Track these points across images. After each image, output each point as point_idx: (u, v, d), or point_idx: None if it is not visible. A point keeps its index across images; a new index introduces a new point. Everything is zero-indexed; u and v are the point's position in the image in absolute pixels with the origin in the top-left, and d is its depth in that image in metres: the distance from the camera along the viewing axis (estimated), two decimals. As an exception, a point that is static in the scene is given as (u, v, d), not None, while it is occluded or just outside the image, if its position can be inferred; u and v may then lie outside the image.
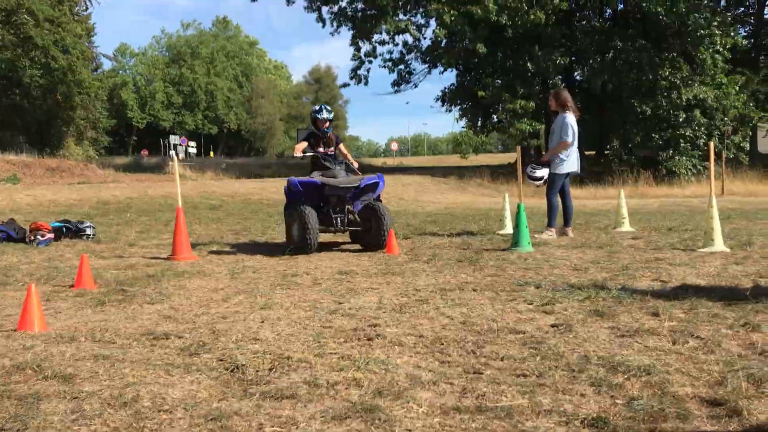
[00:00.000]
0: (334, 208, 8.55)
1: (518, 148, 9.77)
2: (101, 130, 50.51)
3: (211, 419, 2.79)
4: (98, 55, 48.28)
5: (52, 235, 9.60)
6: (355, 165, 9.07)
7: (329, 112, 9.13)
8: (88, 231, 10.20)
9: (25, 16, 34.97)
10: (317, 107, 9.20)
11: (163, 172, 30.95)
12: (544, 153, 9.35)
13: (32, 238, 9.43)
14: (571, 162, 9.54)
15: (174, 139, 49.94)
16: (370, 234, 8.51)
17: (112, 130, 62.86)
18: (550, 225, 9.58)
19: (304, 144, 8.98)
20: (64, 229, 10.07)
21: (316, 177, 8.41)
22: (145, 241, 10.20)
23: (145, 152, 51.48)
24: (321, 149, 8.97)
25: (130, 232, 11.30)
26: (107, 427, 2.74)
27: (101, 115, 49.41)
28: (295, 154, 8.91)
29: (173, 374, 3.41)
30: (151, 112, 76.76)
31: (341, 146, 9.32)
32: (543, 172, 9.34)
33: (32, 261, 7.99)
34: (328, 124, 9.05)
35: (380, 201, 8.96)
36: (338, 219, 8.54)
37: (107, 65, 69.02)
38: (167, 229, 11.53)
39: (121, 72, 79.65)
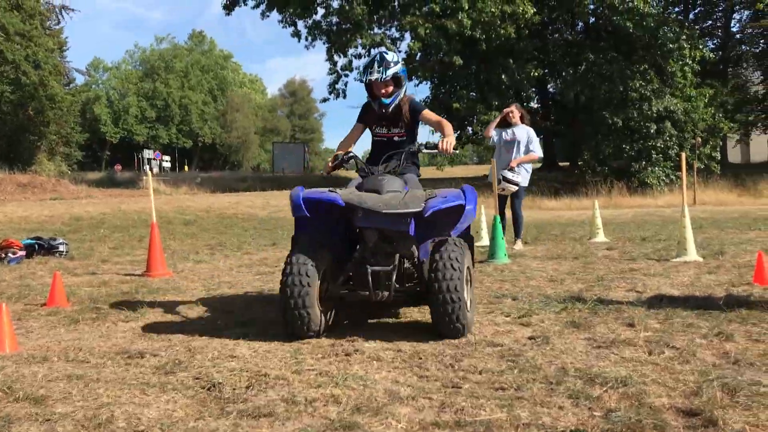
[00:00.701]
0: (373, 253, 4.52)
1: (492, 160, 9.83)
2: (74, 144, 49.88)
3: (188, 439, 2.75)
4: (71, 70, 47.85)
5: (23, 253, 9.44)
6: (449, 151, 4.87)
7: (385, 66, 4.92)
8: (61, 248, 10.05)
9: (-5, 30, 34.57)
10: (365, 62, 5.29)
11: (137, 187, 30.66)
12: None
13: (3, 255, 9.26)
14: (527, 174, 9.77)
15: (148, 153, 49.62)
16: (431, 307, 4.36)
17: (85, 145, 62.12)
18: (518, 236, 9.74)
19: (352, 136, 5.32)
20: (36, 246, 9.91)
21: (342, 192, 4.51)
22: (119, 257, 10.08)
23: (118, 167, 51.01)
24: (380, 131, 5.22)
25: (104, 248, 11.16)
26: (81, 450, 2.69)
27: (74, 130, 48.84)
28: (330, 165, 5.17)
29: (149, 393, 3.36)
30: (125, 127, 76.12)
31: (426, 116, 5.20)
32: (519, 179, 9.41)
33: (3, 279, 7.85)
34: (389, 88, 5.01)
35: (466, 240, 4.76)
36: (381, 277, 4.46)
37: (80, 80, 68.45)
38: (141, 245, 11.41)
39: (94, 86, 78.93)
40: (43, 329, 5.12)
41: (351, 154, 5.08)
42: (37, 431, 2.89)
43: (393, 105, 5.05)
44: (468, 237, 4.96)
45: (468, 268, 4.53)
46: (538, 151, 9.58)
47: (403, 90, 5.10)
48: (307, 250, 4.38)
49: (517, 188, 9.46)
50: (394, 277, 4.42)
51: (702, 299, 5.30)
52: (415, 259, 4.61)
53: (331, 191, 4.47)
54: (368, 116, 5.25)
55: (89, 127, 70.68)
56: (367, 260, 4.47)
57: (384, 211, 4.28)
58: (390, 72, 4.91)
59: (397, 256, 4.50)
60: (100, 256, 10.17)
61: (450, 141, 4.85)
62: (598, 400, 3.08)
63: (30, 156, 39.18)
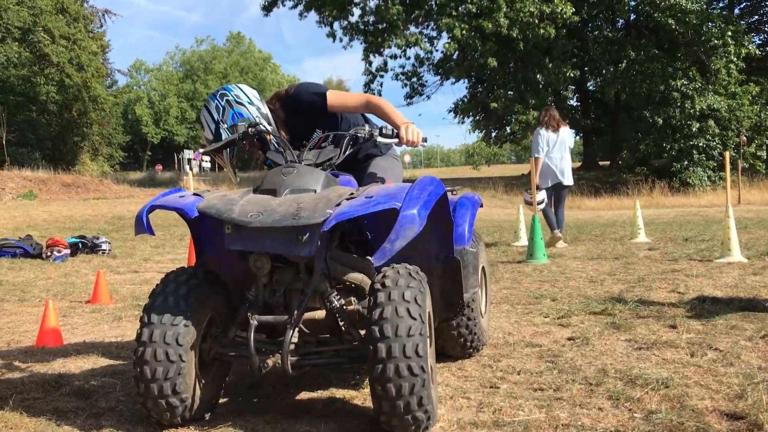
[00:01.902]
0: (269, 293, 2.91)
1: (531, 159, 9.76)
2: (116, 145, 50.92)
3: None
4: (113, 72, 48.84)
5: (68, 251, 9.67)
6: (416, 142, 3.28)
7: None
8: (104, 246, 10.27)
9: (42, 33, 35.42)
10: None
11: (177, 187, 31.14)
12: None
13: (49, 253, 9.50)
14: (551, 174, 9.88)
15: (188, 153, 50.27)
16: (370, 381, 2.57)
17: (127, 146, 63.37)
18: (553, 228, 9.88)
19: None
20: (80, 244, 10.14)
21: (212, 195, 2.95)
22: (160, 255, 10.25)
23: (159, 167, 51.84)
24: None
25: (145, 247, 11.37)
26: (125, 444, 2.74)
27: (116, 131, 49.83)
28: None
29: (190, 390, 3.41)
30: (166, 127, 77.32)
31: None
32: (540, 195, 9.53)
33: (49, 277, 8.05)
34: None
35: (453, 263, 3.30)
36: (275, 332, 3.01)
37: (122, 81, 69.79)
38: (182, 244, 11.59)
39: (135, 88, 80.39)
40: (87, 326, 5.24)
41: (254, 128, 3.27)
42: (84, 425, 2.96)
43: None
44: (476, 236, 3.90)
45: (483, 268, 4.02)
46: (534, 154, 9.94)
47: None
48: (176, 292, 2.80)
49: (542, 206, 9.57)
50: (292, 334, 2.75)
51: (746, 301, 5.19)
52: (333, 303, 2.85)
53: (195, 194, 3.00)
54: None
55: (131, 127, 72.02)
56: (260, 306, 2.90)
57: (255, 226, 2.65)
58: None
59: (305, 297, 2.81)
60: (141, 254, 10.36)
61: (412, 128, 3.30)
62: (638, 401, 3.04)
63: (74, 156, 40.12)
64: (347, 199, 2.77)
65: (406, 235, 2.63)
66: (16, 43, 34.72)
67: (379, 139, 3.26)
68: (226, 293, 3.05)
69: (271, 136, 3.37)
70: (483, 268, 4.09)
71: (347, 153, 3.24)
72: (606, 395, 3.14)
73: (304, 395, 3.30)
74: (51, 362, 4.04)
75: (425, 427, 2.61)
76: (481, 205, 4.07)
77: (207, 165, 53.91)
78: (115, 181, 30.99)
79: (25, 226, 13.50)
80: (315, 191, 2.87)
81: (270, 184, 2.95)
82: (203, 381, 2.89)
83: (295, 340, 2.80)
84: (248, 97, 3.45)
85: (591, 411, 2.95)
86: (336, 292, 2.89)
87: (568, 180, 9.92)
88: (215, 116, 3.42)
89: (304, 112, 3.55)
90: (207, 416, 2.94)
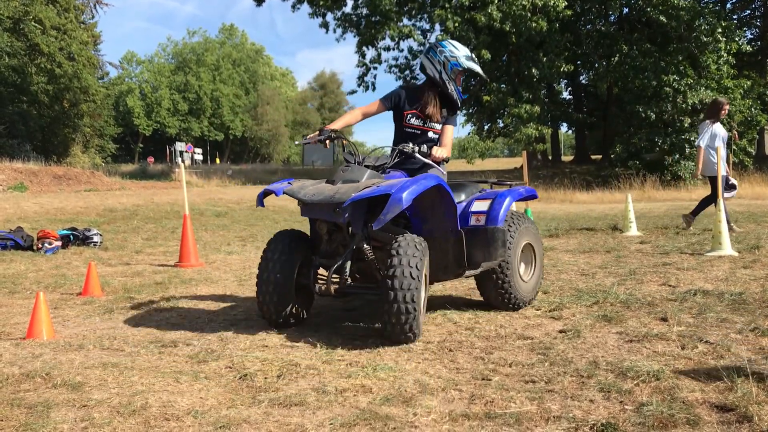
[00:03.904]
0: (329, 246, 4.63)
1: (524, 153, 9.77)
2: (107, 137, 50.66)
3: (220, 427, 2.79)
4: (104, 63, 48.52)
5: (59, 243, 9.63)
6: (438, 158, 4.70)
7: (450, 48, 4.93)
8: (95, 239, 10.23)
9: (33, 23, 35.15)
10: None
11: (169, 179, 31.02)
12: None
13: (40, 246, 9.45)
14: (712, 166, 10.12)
15: (180, 146, 50.10)
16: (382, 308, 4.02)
17: (118, 138, 63.08)
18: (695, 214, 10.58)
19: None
20: (72, 236, 10.09)
21: (296, 183, 4.58)
22: (152, 248, 10.22)
23: (151, 159, 51.62)
24: (415, 122, 4.94)
25: (137, 239, 11.33)
26: (117, 435, 2.74)
27: (107, 123, 49.57)
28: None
29: (182, 382, 3.41)
30: (157, 119, 77.03)
31: (447, 128, 4.98)
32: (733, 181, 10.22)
33: (40, 269, 8.02)
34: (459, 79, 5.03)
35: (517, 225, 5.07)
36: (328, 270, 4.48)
37: (113, 73, 69.41)
38: (174, 236, 11.55)
39: (127, 79, 79.99)
40: (78, 318, 5.22)
41: (337, 134, 4.79)
42: (75, 416, 2.95)
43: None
44: (524, 217, 5.21)
45: (527, 244, 5.13)
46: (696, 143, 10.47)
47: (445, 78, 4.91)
48: (281, 245, 4.46)
49: (734, 192, 10.30)
50: (344, 270, 4.34)
51: (737, 294, 5.21)
52: (367, 255, 4.37)
53: (288, 182, 4.56)
54: (402, 103, 4.92)
55: (122, 119, 71.72)
56: (324, 253, 4.57)
57: (310, 201, 4.20)
58: (443, 56, 4.87)
59: (354, 248, 4.38)
60: (133, 247, 10.32)
61: (442, 150, 4.69)
62: (629, 393, 3.05)
63: (65, 148, 39.89)
64: (367, 188, 4.12)
65: (393, 211, 3.99)
66: (7, 33, 34.44)
67: (417, 155, 4.65)
68: (308, 246, 4.63)
69: (346, 141, 4.95)
70: (528, 244, 5.18)
71: (395, 161, 4.70)
72: (597, 387, 3.15)
73: (296, 387, 3.30)
74: (41, 354, 4.02)
75: (411, 341, 4.06)
76: (533, 197, 5.46)
77: (199, 157, 53.79)
78: (107, 173, 30.83)
79: (15, 218, 13.42)
80: (357, 182, 4.30)
81: (332, 176, 4.50)
82: (297, 300, 4.52)
83: (346, 275, 4.35)
84: (460, 51, 4.91)
85: (582, 403, 2.96)
86: (369, 248, 4.37)
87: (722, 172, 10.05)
88: (438, 67, 4.88)
89: (444, 120, 4.99)
90: (293, 321, 4.54)
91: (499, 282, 4.89)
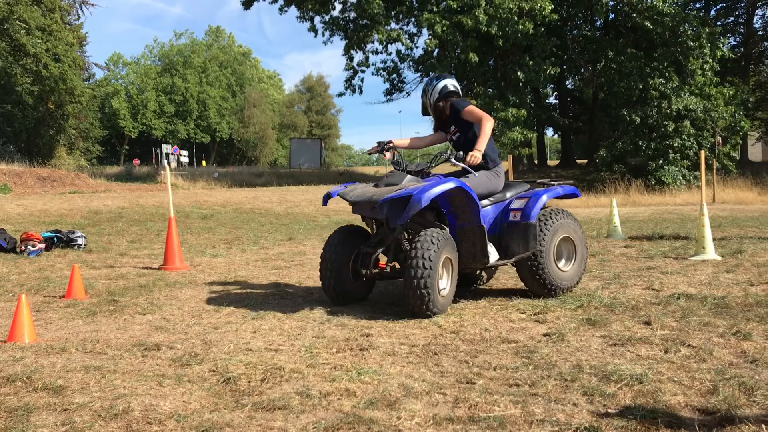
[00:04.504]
0: (375, 237, 5.53)
1: (510, 156, 9.81)
2: (93, 139, 50.32)
3: (203, 431, 2.78)
4: (90, 65, 48.22)
5: (43, 245, 9.55)
6: (472, 163, 5.35)
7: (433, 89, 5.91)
8: (80, 241, 10.15)
9: (18, 23, 34.86)
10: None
11: (154, 182, 30.88)
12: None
13: (23, 248, 9.37)
14: None
15: (166, 148, 49.83)
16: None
17: (104, 140, 62.66)
18: None
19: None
20: (55, 239, 10.01)
21: (350, 186, 5.60)
22: (137, 251, 10.16)
23: (136, 162, 51.27)
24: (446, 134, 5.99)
25: (122, 242, 11.26)
26: (98, 440, 2.72)
27: (93, 125, 49.26)
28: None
29: (165, 385, 3.39)
30: (143, 122, 76.57)
31: (466, 113, 5.68)
32: None
33: (23, 271, 7.95)
34: (440, 103, 5.88)
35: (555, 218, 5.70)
36: (366, 257, 5.41)
37: (99, 74, 68.99)
38: (159, 239, 11.49)
39: (113, 81, 79.49)
40: (61, 321, 5.18)
41: (390, 144, 5.85)
42: (56, 420, 2.92)
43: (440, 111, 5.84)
44: (565, 213, 5.86)
45: (565, 237, 5.70)
46: None
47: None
48: (342, 234, 5.54)
49: None
50: (374, 258, 5.32)
51: (720, 298, 5.25)
52: (403, 245, 5.31)
53: (344, 186, 5.55)
54: (438, 124, 6.00)
55: (108, 121, 71.25)
56: (371, 244, 5.47)
57: (355, 201, 5.19)
58: (435, 93, 5.83)
59: (390, 241, 5.30)
60: (118, 249, 10.25)
61: (475, 156, 5.29)
62: (612, 397, 3.07)
63: (50, 150, 39.59)
64: (397, 190, 4.98)
65: (414, 209, 4.86)
66: (-8, 34, 34.17)
67: (452, 160, 5.38)
68: (364, 238, 5.56)
69: (396, 152, 5.85)
70: (567, 238, 5.75)
71: (435, 165, 5.51)
72: (581, 391, 3.16)
73: (279, 390, 3.29)
74: (23, 358, 3.98)
75: (430, 317, 4.83)
76: (574, 195, 6.03)
77: (185, 160, 53.51)
78: (92, 175, 30.67)
79: (-2, 220, 13.30)
80: (397, 185, 5.13)
81: (379, 180, 5.38)
82: (354, 283, 5.46)
83: (389, 262, 5.30)
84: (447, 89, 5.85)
85: (566, 406, 2.97)
86: (405, 240, 5.27)
87: None
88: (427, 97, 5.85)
89: (452, 112, 5.80)
90: (352, 300, 5.52)
91: (534, 270, 5.51)
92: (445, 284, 5.04)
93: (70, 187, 24.69)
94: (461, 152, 5.40)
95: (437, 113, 5.85)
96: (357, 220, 9.54)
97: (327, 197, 5.59)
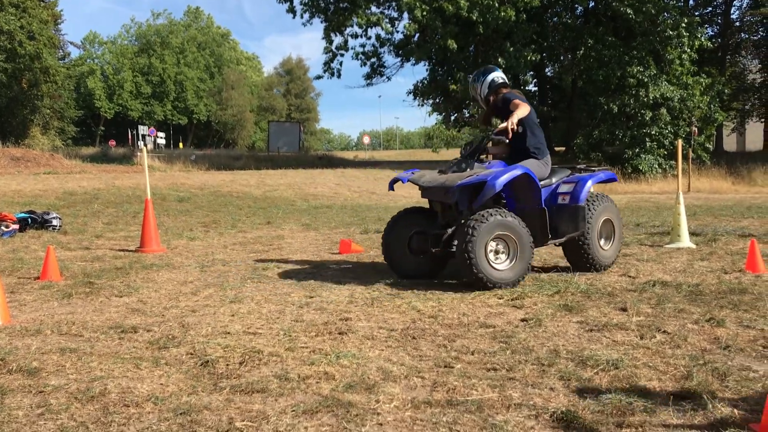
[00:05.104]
0: (443, 220, 5.94)
1: (489, 144, 9.79)
2: (68, 119, 49.56)
3: (181, 413, 2.76)
4: (65, 43, 47.44)
5: (16, 226, 9.42)
6: (506, 129, 5.71)
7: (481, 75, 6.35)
8: (54, 222, 10.03)
9: (-11, -1, 34.19)
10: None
11: (131, 163, 30.52)
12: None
13: (-4, 228, 9.23)
14: None
15: (142, 129, 49.27)
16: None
17: (79, 120, 61.75)
18: None
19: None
20: (30, 220, 9.88)
21: (419, 172, 6.05)
22: (113, 233, 10.05)
23: (112, 143, 50.68)
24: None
25: (97, 223, 11.14)
26: (74, 422, 2.70)
27: (68, 105, 48.52)
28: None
29: (142, 368, 3.37)
30: (120, 102, 75.61)
31: (512, 106, 5.97)
32: None
33: (-4, 252, 7.83)
34: (491, 97, 6.30)
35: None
36: (420, 238, 5.95)
37: (75, 53, 67.90)
38: (135, 221, 11.39)
39: (88, 60, 78.27)
40: (36, 302, 5.12)
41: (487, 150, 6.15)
42: (30, 402, 2.89)
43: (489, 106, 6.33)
44: (604, 198, 6.34)
45: (606, 219, 6.23)
46: None
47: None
48: (401, 216, 6.13)
49: None
50: (445, 238, 5.69)
51: (694, 285, 5.33)
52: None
53: (413, 172, 6.07)
54: (492, 116, 6.48)
55: (83, 101, 70.23)
56: (438, 225, 5.90)
57: (427, 186, 5.70)
58: (485, 87, 6.26)
59: (457, 223, 5.61)
60: (93, 231, 10.14)
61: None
62: (589, 382, 3.10)
63: (23, 130, 38.95)
64: (470, 176, 5.40)
65: (488, 194, 5.40)
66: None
67: (494, 137, 5.82)
68: (425, 219, 6.05)
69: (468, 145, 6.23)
70: (608, 220, 6.29)
71: (479, 150, 5.96)
72: (557, 375, 3.19)
73: (258, 374, 3.28)
74: (-3, 339, 3.93)
75: (478, 282, 5.24)
76: (613, 180, 6.52)
77: (162, 141, 52.99)
78: (67, 155, 30.23)
79: (-30, 200, 13.08)
80: (464, 170, 5.62)
81: (445, 167, 5.86)
82: (414, 259, 5.96)
83: (454, 242, 5.54)
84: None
85: (543, 391, 3.00)
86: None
87: None
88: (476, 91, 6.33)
89: (503, 103, 6.10)
90: (413, 274, 5.97)
91: (581, 248, 6.06)
92: (503, 259, 5.42)
93: (45, 167, 24.33)
94: (497, 130, 5.80)
95: (489, 107, 6.30)
96: (336, 205, 9.48)
97: (394, 182, 6.17)
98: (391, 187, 6.26)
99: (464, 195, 5.61)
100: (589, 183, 6.04)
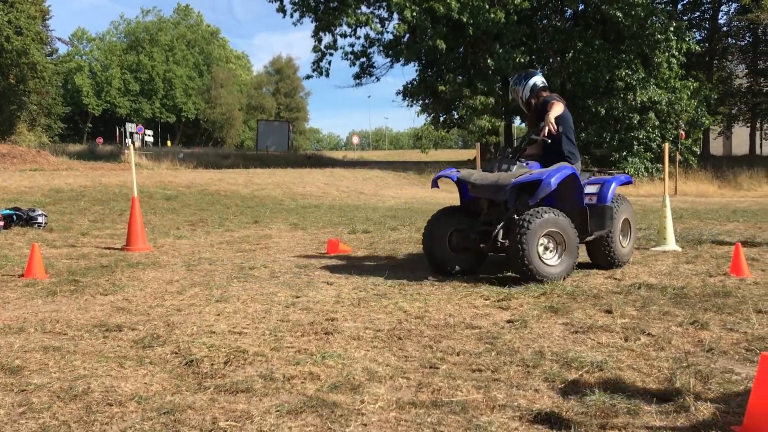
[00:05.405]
0: (488, 217, 6.04)
1: (477, 144, 9.84)
2: (55, 116, 49.19)
3: (164, 413, 2.75)
4: (53, 39, 47.09)
5: (1, 223, 9.34)
6: (543, 133, 5.96)
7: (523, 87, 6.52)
8: (40, 219, 9.96)
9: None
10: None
11: (118, 161, 30.35)
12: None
13: (-20, 225, 9.16)
14: None
15: (130, 127, 48.97)
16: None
17: (66, 117, 61.32)
18: None
19: None
20: (15, 216, 9.81)
21: (466, 170, 6.28)
22: (99, 230, 9.99)
23: (100, 140, 50.32)
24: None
25: (84, 221, 11.07)
26: (56, 421, 2.68)
27: (55, 102, 48.16)
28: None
29: (126, 367, 3.35)
30: (108, 99, 75.19)
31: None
32: None
33: (-20, 249, 7.77)
34: (532, 101, 6.52)
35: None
36: (462, 236, 6.13)
37: (62, 49, 67.41)
38: (122, 219, 11.33)
39: (76, 57, 77.78)
40: (20, 300, 5.08)
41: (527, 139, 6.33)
42: (12, 401, 2.87)
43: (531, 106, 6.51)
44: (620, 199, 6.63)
45: (626, 219, 6.56)
46: None
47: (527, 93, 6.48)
48: (440, 215, 6.32)
49: None
50: (495, 233, 5.79)
51: (679, 288, 5.36)
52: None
53: (458, 170, 6.26)
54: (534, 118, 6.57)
55: (71, 98, 69.76)
56: (484, 222, 6.03)
57: (478, 184, 5.88)
58: (527, 91, 6.47)
59: (504, 220, 5.81)
60: (79, 228, 10.08)
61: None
62: (573, 383, 3.11)
63: (10, 126, 38.63)
64: (521, 175, 5.67)
65: (544, 192, 5.58)
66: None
67: (533, 137, 6.11)
68: (464, 217, 6.24)
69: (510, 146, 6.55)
70: (626, 219, 6.63)
71: (524, 146, 6.29)
72: (542, 377, 3.20)
73: (243, 373, 3.27)
74: (-20, 337, 3.90)
75: (528, 273, 5.46)
76: (629, 183, 6.84)
77: (150, 139, 52.73)
78: (54, 152, 30.01)
79: (-45, 196, 12.98)
80: (509, 170, 5.88)
81: (492, 165, 6.11)
82: (457, 256, 6.15)
83: (500, 238, 5.73)
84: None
85: (527, 392, 3.01)
86: (519, 219, 5.56)
87: None
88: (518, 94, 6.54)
89: (541, 107, 6.32)
90: (453, 270, 6.10)
91: (605, 246, 6.35)
92: (552, 255, 5.67)
93: (31, 164, 24.16)
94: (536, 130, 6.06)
95: (530, 110, 6.50)
96: (324, 204, 9.45)
97: (437, 179, 6.53)
98: (435, 184, 6.55)
99: (512, 193, 5.85)
100: (614, 185, 6.32)
